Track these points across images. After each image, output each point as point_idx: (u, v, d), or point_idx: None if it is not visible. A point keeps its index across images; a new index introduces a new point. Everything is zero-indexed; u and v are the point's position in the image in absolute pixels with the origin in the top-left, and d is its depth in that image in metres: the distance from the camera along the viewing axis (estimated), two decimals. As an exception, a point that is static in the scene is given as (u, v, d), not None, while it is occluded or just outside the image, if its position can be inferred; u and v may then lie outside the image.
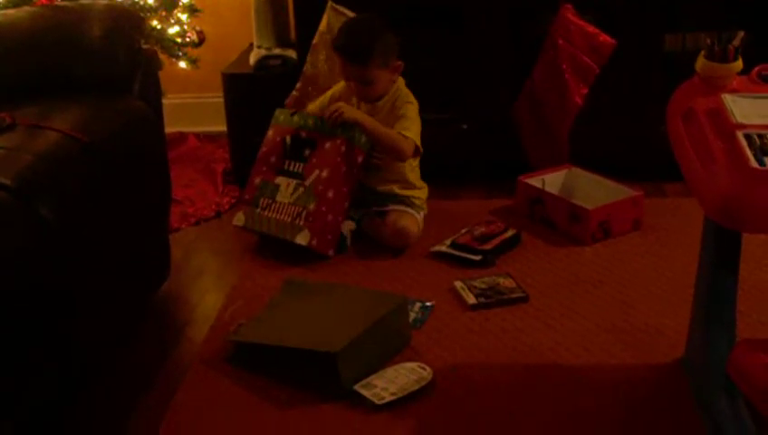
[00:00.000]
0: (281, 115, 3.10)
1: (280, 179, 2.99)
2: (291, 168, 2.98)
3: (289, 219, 2.90)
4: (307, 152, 2.96)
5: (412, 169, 3.06)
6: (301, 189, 2.91)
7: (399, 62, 2.98)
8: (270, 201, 2.98)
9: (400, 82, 3.04)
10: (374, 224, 2.99)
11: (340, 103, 2.95)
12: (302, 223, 2.86)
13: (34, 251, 2.01)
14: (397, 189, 3.05)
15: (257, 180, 3.04)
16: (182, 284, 2.87)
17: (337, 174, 2.89)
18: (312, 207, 2.86)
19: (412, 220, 2.97)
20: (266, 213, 2.97)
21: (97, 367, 2.40)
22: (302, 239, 2.85)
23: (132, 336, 2.57)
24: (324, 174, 2.89)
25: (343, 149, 2.90)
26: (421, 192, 3.10)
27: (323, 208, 2.86)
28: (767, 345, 1.88)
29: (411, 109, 2.98)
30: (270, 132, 3.09)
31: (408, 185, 3.05)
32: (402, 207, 3.00)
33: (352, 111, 2.93)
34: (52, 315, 2.10)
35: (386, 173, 3.03)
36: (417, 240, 2.94)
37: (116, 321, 2.47)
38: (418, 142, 2.95)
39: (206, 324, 2.58)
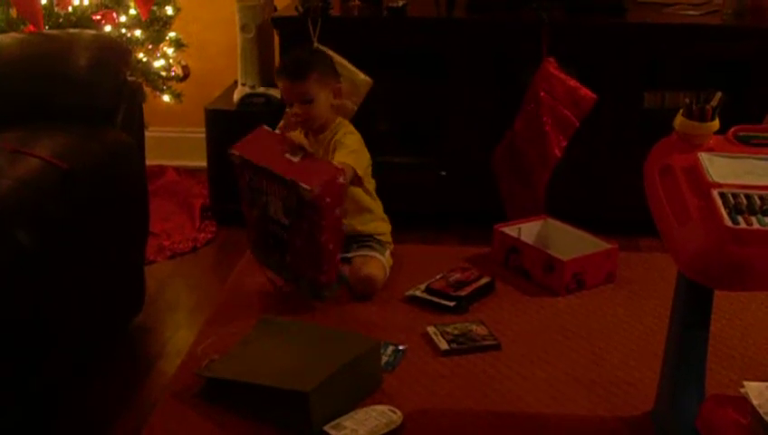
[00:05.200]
0: None
1: None
2: None
3: None
4: None
5: (367, 191, 3.02)
6: None
7: (339, 85, 2.97)
8: None
9: (345, 121, 3.02)
10: (342, 270, 2.97)
11: None
12: None
13: (9, 275, 2.00)
14: (358, 226, 3.00)
15: None
16: (155, 317, 2.86)
17: None
18: None
19: (377, 266, 2.93)
20: None
21: (66, 397, 2.38)
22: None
23: (103, 367, 2.55)
24: None
25: None
26: (385, 225, 3.07)
27: None
28: (736, 402, 1.90)
29: (351, 138, 2.93)
30: None
31: (370, 215, 3.02)
32: (366, 252, 2.96)
33: None
34: (23, 342, 2.09)
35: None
36: (383, 285, 2.92)
37: (88, 350, 2.46)
38: (359, 170, 2.85)
39: (177, 358, 2.57)
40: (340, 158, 2.84)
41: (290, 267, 2.82)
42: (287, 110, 2.96)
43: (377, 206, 3.06)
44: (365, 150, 2.96)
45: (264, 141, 2.88)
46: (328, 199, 2.65)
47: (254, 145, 2.86)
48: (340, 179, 2.68)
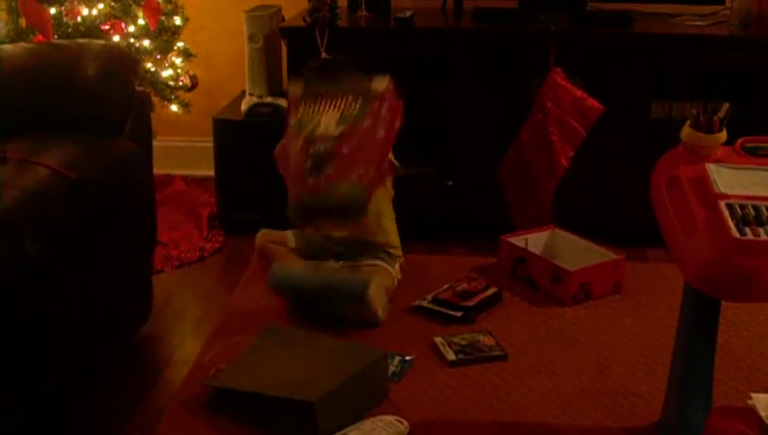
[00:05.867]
0: None
1: None
2: None
3: None
4: None
5: (387, 207, 3.05)
6: None
7: None
8: None
9: None
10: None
11: None
12: None
13: (17, 284, 2.01)
14: (370, 235, 2.98)
15: None
16: (162, 326, 2.87)
17: None
18: None
19: (387, 277, 2.92)
20: None
21: (72, 406, 2.38)
22: None
23: (110, 376, 2.56)
24: None
25: None
26: (396, 238, 3.05)
27: None
28: (743, 413, 1.89)
29: None
30: None
31: (386, 230, 3.05)
32: (375, 261, 2.95)
33: None
34: (29, 350, 2.09)
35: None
36: (390, 294, 2.93)
37: (94, 359, 2.47)
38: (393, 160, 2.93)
39: (185, 367, 2.57)
40: None
41: (330, 180, 2.73)
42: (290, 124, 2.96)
43: (391, 218, 3.07)
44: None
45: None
46: (392, 99, 2.76)
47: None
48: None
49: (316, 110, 2.79)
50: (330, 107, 2.77)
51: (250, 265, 3.14)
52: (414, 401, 2.38)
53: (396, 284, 2.96)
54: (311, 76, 2.85)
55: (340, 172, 2.73)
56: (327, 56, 3.14)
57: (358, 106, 2.72)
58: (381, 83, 2.75)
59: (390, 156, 2.87)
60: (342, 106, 2.74)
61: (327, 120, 2.75)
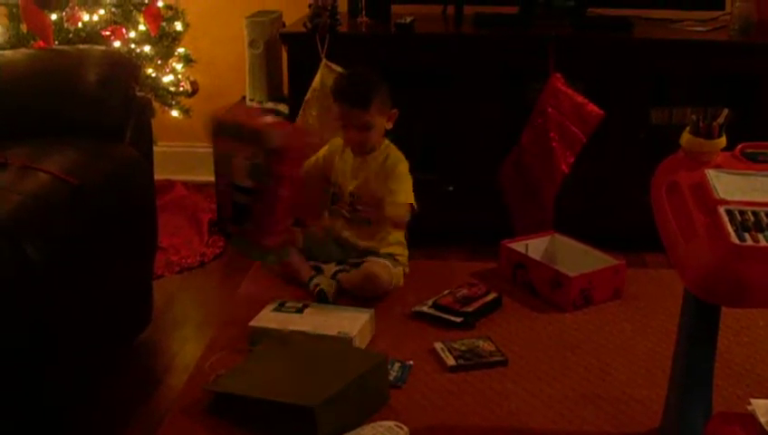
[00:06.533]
0: None
1: None
2: None
3: None
4: None
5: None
6: None
7: (394, 111, 3.03)
8: None
9: (391, 145, 3.09)
10: (348, 275, 2.99)
11: None
12: None
13: (18, 288, 2.01)
14: (378, 245, 3.05)
15: None
16: (163, 331, 2.87)
17: None
18: None
19: (384, 269, 2.96)
20: None
21: (72, 411, 2.38)
22: None
23: (111, 381, 2.56)
24: None
25: None
26: (402, 249, 3.11)
27: None
28: (743, 419, 1.90)
29: (403, 167, 3.02)
30: None
31: (393, 242, 3.07)
32: (379, 259, 3.00)
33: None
34: (29, 354, 2.09)
35: (374, 227, 3.04)
36: (388, 289, 2.95)
37: (95, 364, 2.47)
38: (412, 201, 2.97)
39: (185, 373, 2.57)
40: (403, 190, 2.97)
41: (249, 237, 2.74)
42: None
43: (400, 231, 3.10)
44: (410, 177, 3.05)
45: (242, 109, 3.02)
46: (291, 152, 2.62)
47: (232, 111, 2.90)
48: (307, 137, 2.78)
49: (230, 148, 2.72)
50: (239, 152, 2.71)
51: (250, 270, 3.14)
52: (414, 406, 2.38)
53: (393, 285, 2.97)
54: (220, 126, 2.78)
55: (255, 232, 2.72)
56: (356, 68, 3.14)
57: (260, 161, 2.62)
58: (273, 138, 2.58)
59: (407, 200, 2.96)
60: (248, 156, 2.66)
61: (240, 167, 2.71)
